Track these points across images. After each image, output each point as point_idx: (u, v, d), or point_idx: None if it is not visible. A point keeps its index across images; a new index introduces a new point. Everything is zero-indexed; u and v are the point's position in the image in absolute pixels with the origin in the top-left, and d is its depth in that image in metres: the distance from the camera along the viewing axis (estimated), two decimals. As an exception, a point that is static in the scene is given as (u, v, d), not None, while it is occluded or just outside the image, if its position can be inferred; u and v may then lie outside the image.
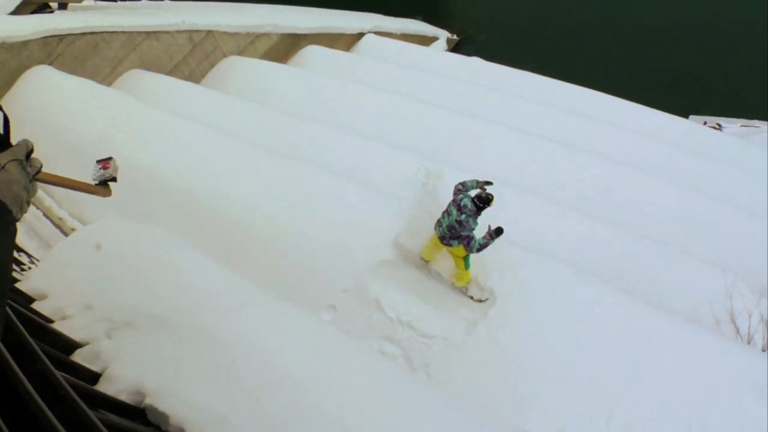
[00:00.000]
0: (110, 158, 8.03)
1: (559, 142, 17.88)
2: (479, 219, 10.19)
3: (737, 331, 11.57)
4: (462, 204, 9.94)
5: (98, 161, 8.02)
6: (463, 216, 9.91)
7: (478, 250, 10.25)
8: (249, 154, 14.72)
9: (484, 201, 9.78)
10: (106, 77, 19.88)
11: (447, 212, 10.23)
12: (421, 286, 11.64)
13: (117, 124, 15.78)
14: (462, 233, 10.02)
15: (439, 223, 10.55)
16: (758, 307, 11.63)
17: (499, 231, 10.00)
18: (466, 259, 10.97)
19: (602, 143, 18.74)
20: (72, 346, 6.65)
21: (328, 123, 18.37)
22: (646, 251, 13.61)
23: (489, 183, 10.14)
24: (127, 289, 7.56)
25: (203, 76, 22.51)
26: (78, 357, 6.47)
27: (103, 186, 8.04)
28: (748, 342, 11.43)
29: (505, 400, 10.11)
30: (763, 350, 11.27)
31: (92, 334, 6.81)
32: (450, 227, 10.22)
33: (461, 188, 10.19)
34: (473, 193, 10.14)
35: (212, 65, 22.70)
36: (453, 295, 11.49)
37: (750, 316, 11.46)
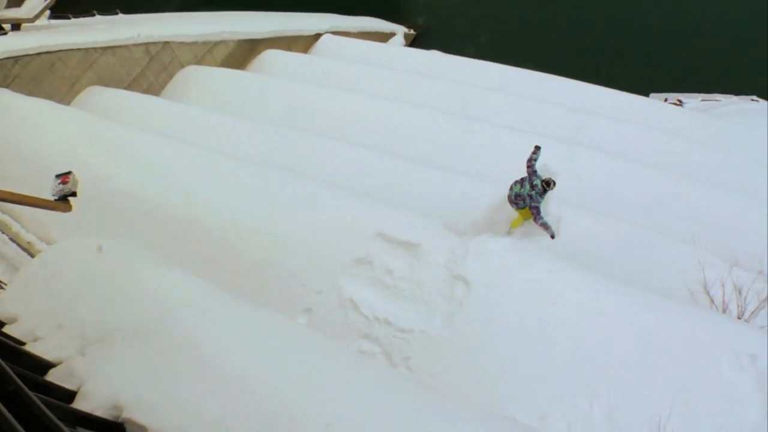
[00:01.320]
0: (69, 172, 8.00)
1: (534, 132, 17.90)
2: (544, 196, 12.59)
3: (712, 301, 11.66)
4: (534, 184, 12.36)
5: (57, 176, 7.98)
6: (533, 192, 12.34)
7: (537, 222, 12.60)
8: (215, 162, 14.64)
9: (547, 184, 12.32)
10: (65, 96, 19.71)
11: (520, 183, 12.57)
12: (396, 282, 11.61)
13: (78, 142, 15.64)
14: (531, 204, 12.39)
15: (510, 188, 12.69)
16: (730, 276, 11.71)
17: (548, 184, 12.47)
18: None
19: (567, 126, 18.84)
20: (46, 366, 6.61)
21: (293, 126, 18.34)
22: (616, 230, 13.69)
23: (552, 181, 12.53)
24: (97, 305, 7.51)
25: (162, 88, 22.33)
26: (52, 376, 6.43)
27: (62, 201, 7.99)
28: (723, 311, 11.52)
29: (487, 389, 10.13)
30: (739, 318, 11.36)
31: (65, 352, 6.78)
32: (517, 195, 12.52)
33: (533, 172, 12.60)
34: (542, 177, 12.56)
35: (171, 76, 22.51)
36: (428, 286, 11.48)
37: (723, 286, 11.54)
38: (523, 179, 12.58)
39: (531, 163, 12.71)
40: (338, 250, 12.03)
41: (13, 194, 7.07)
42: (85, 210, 8.84)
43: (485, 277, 11.18)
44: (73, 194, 7.79)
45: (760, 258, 12.85)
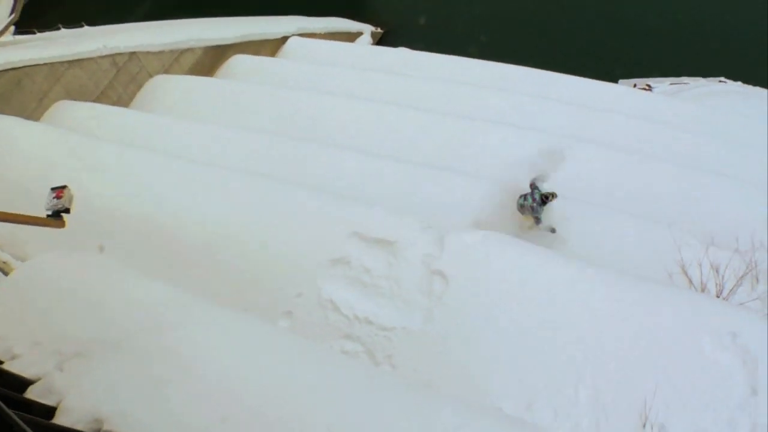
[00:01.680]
0: (65, 186, 7.94)
1: (527, 127, 17.96)
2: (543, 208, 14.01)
3: (690, 281, 11.74)
4: (535, 197, 13.83)
5: (53, 189, 7.92)
6: (535, 204, 13.83)
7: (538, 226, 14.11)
8: (189, 170, 14.58)
9: (546, 198, 13.77)
10: (33, 112, 19.56)
11: (524, 197, 14.04)
12: (374, 280, 11.62)
13: (50, 158, 15.54)
14: (533, 214, 13.90)
15: (517, 200, 14.20)
16: (707, 256, 11.80)
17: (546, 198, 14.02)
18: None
19: (543, 117, 18.89)
20: (24, 383, 6.59)
21: (267, 130, 18.31)
22: (593, 215, 13.79)
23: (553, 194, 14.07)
24: (73, 319, 7.48)
25: (131, 99, 22.15)
26: (32, 393, 6.41)
27: (55, 218, 7.93)
28: (702, 290, 11.60)
29: (472, 382, 10.14)
30: (717, 296, 11.44)
31: (43, 369, 6.75)
32: (521, 206, 14.05)
33: (535, 188, 14.17)
34: (542, 191, 14.14)
35: (139, 87, 22.33)
36: (407, 283, 11.49)
37: (700, 266, 11.63)
38: (527, 194, 14.07)
39: (531, 182, 14.50)
40: (315, 252, 12.02)
41: (4, 213, 7.04)
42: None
43: (463, 271, 11.20)
44: (67, 211, 7.72)
45: (736, 236, 12.94)
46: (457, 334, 10.64)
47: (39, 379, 6.61)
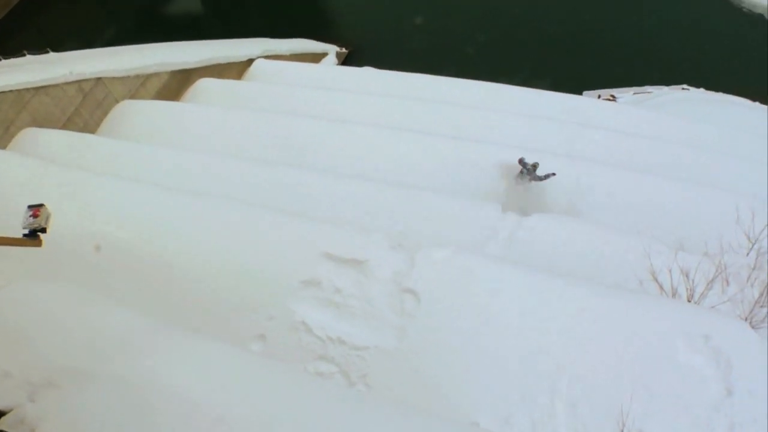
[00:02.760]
0: (42, 205, 7.90)
1: (496, 142, 18.10)
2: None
3: (661, 287, 11.85)
4: (528, 168, 15.81)
5: (29, 207, 7.89)
6: (530, 172, 15.72)
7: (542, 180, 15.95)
8: (157, 195, 14.50)
9: (534, 167, 15.80)
10: (0, 140, 19.41)
11: (521, 172, 15.90)
12: (346, 300, 11.62)
13: (18, 187, 15.43)
14: (535, 178, 15.67)
15: (517, 178, 16.01)
16: (676, 261, 11.92)
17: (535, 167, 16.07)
18: None
19: (513, 133, 19.04)
20: (-5, 415, 6.56)
21: (234, 154, 18.27)
22: (564, 228, 13.87)
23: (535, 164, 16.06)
24: (44, 349, 7.42)
25: (98, 126, 21.92)
26: (3, 425, 6.37)
27: (31, 237, 7.88)
28: (673, 296, 11.72)
29: (449, 398, 10.16)
30: (689, 301, 11.56)
31: (14, 400, 6.71)
32: (524, 177, 15.84)
33: (522, 162, 16.05)
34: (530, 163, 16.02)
35: (105, 113, 22.09)
36: (378, 302, 11.51)
37: (670, 271, 11.75)
38: (521, 169, 15.98)
39: (521, 161, 16.10)
40: (286, 274, 11.98)
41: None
42: (31, 255, 8.73)
43: (434, 287, 11.24)
44: (43, 230, 7.67)
45: (705, 240, 13.10)
46: (431, 351, 10.65)
47: (10, 411, 6.57)
